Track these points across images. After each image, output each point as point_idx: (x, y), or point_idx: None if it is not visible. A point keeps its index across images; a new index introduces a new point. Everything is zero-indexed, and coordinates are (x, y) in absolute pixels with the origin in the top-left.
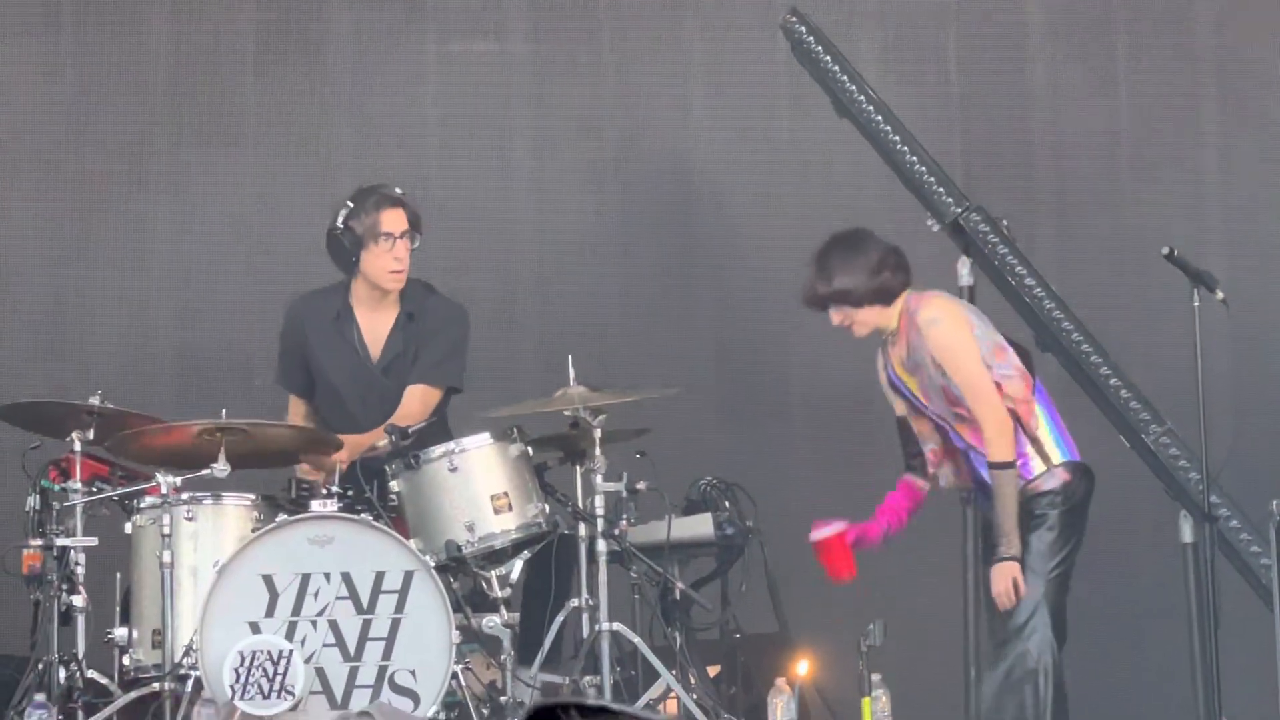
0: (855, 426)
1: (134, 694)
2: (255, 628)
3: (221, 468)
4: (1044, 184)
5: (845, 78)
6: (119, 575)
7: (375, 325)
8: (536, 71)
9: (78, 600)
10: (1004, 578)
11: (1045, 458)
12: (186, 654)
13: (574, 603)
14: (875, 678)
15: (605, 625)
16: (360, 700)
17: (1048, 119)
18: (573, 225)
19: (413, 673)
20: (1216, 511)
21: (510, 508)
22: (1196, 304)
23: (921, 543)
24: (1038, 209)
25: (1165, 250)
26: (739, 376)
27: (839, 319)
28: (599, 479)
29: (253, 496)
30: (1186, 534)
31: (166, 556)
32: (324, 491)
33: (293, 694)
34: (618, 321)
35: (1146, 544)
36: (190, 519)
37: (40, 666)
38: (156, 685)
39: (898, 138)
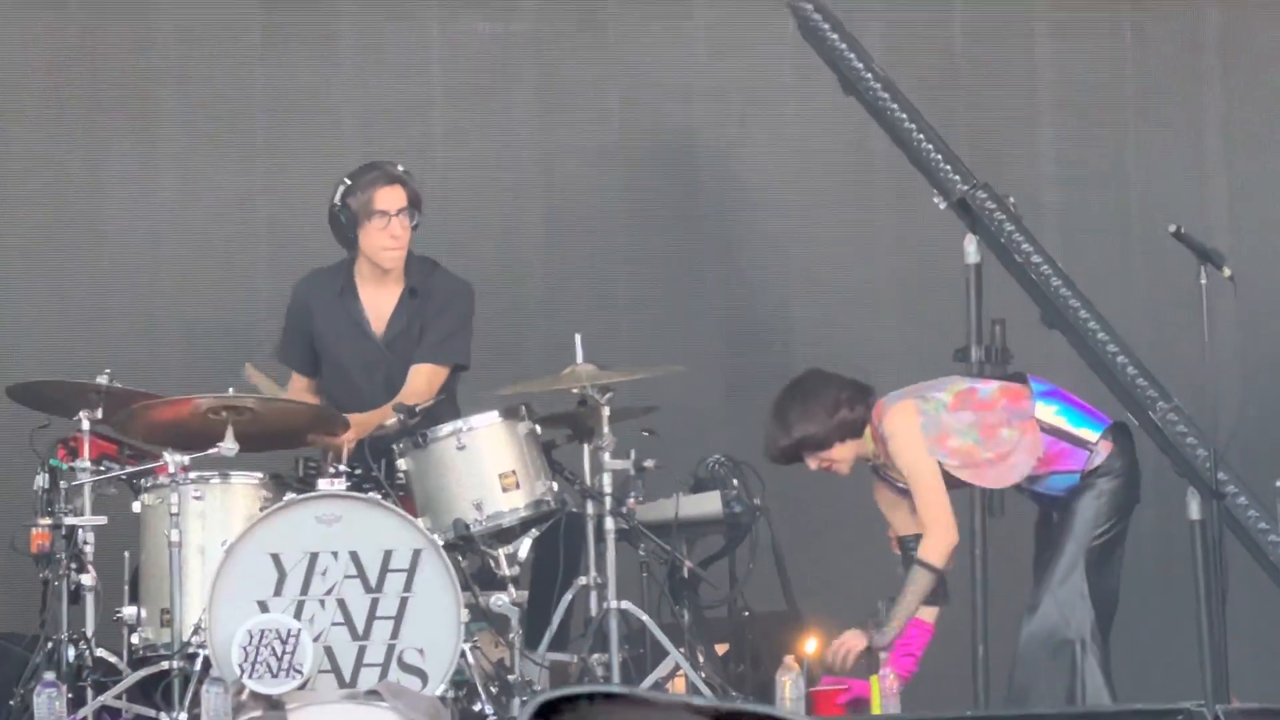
0: None
1: (143, 672)
2: (263, 606)
3: (229, 446)
4: (1050, 161)
5: (852, 55)
6: (127, 554)
7: (379, 302)
8: (541, 49)
9: (86, 579)
10: (846, 641)
11: (1082, 442)
12: (195, 633)
13: (582, 581)
14: (883, 656)
15: (613, 603)
16: (368, 679)
17: (1054, 96)
18: (579, 203)
19: (421, 651)
20: (1224, 488)
21: (518, 486)
22: (1204, 281)
23: None
24: (1044, 186)
25: (1172, 228)
26: (747, 354)
27: (815, 464)
28: (607, 457)
29: (260, 475)
30: (1194, 511)
31: (175, 535)
32: (331, 470)
33: (301, 673)
34: (625, 299)
35: (1153, 521)
36: (198, 498)
37: (49, 645)
38: (165, 664)
39: (904, 115)
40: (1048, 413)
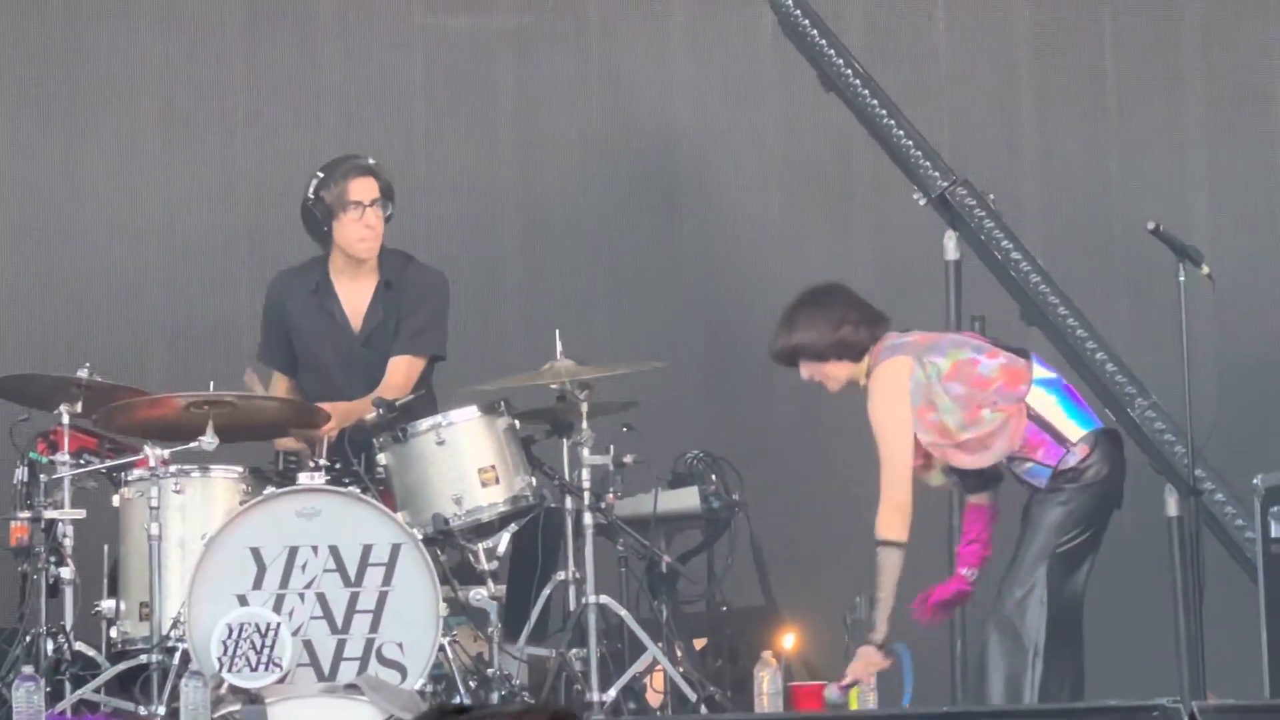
0: (840, 398)
1: (122, 666)
2: (243, 600)
3: (209, 440)
4: (1030, 158)
5: (832, 52)
6: (107, 548)
7: (354, 296)
8: (521, 43)
9: (65, 572)
10: (862, 663)
11: (1062, 439)
12: (174, 626)
13: (560, 575)
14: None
15: (592, 598)
16: (348, 672)
17: (1034, 93)
18: (558, 198)
19: (400, 645)
20: (1201, 485)
21: (497, 481)
22: (1182, 279)
23: None
24: (1024, 183)
25: (1151, 225)
26: (726, 350)
27: (807, 373)
28: (586, 452)
29: (240, 469)
30: (1171, 508)
31: (154, 529)
32: (311, 464)
33: (280, 666)
34: (604, 294)
35: (1131, 517)
36: (178, 491)
37: (28, 639)
38: (144, 657)
39: (884, 112)
40: (1043, 400)
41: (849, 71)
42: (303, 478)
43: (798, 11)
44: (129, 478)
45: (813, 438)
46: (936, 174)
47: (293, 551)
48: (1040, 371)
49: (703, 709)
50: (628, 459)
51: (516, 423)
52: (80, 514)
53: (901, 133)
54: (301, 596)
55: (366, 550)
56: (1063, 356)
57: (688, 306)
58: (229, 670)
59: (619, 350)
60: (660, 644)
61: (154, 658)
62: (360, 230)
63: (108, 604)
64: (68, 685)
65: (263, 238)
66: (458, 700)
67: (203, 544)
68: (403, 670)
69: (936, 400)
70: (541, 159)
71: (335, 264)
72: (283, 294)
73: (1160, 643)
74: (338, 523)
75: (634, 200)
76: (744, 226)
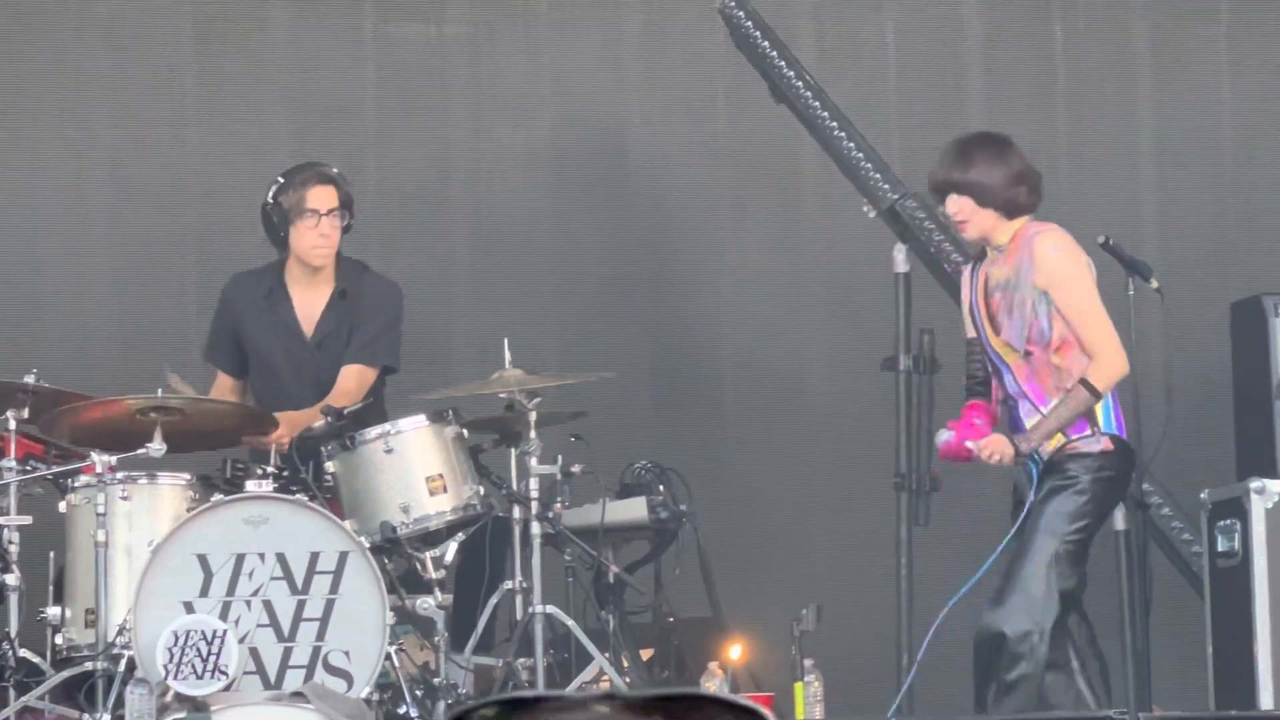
0: (789, 411)
1: (67, 673)
2: (189, 607)
3: (157, 447)
4: None
5: (783, 63)
6: (52, 554)
7: (309, 303)
8: (472, 52)
9: (10, 579)
10: (995, 443)
11: (1093, 421)
12: (120, 633)
13: (508, 585)
14: (808, 662)
15: (539, 608)
16: (294, 680)
17: (984, 107)
18: (509, 207)
19: (346, 653)
20: (1149, 499)
21: (445, 489)
22: (1131, 293)
23: (854, 528)
24: None
25: (1101, 239)
26: (674, 360)
27: (955, 209)
28: (534, 462)
29: (188, 476)
30: (1119, 521)
31: (101, 535)
32: (259, 472)
33: (226, 674)
34: (553, 304)
35: None
36: (125, 498)
37: None
38: (89, 664)
39: (835, 124)
40: None
41: (800, 83)
42: (250, 485)
43: (749, 23)
44: (75, 484)
45: (761, 449)
46: (886, 186)
47: (240, 559)
48: None
49: None
50: (575, 469)
51: (465, 432)
52: (26, 520)
53: (852, 145)
54: (248, 604)
55: (314, 558)
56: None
57: (637, 317)
58: (174, 678)
59: (568, 360)
60: (607, 654)
61: (99, 665)
62: (314, 238)
63: (53, 611)
64: (12, 692)
65: (211, 245)
66: (404, 710)
67: (149, 551)
68: (349, 678)
69: None
70: (492, 168)
71: (291, 270)
72: (236, 296)
73: (1106, 655)
74: (285, 530)
75: (583, 210)
76: (693, 237)
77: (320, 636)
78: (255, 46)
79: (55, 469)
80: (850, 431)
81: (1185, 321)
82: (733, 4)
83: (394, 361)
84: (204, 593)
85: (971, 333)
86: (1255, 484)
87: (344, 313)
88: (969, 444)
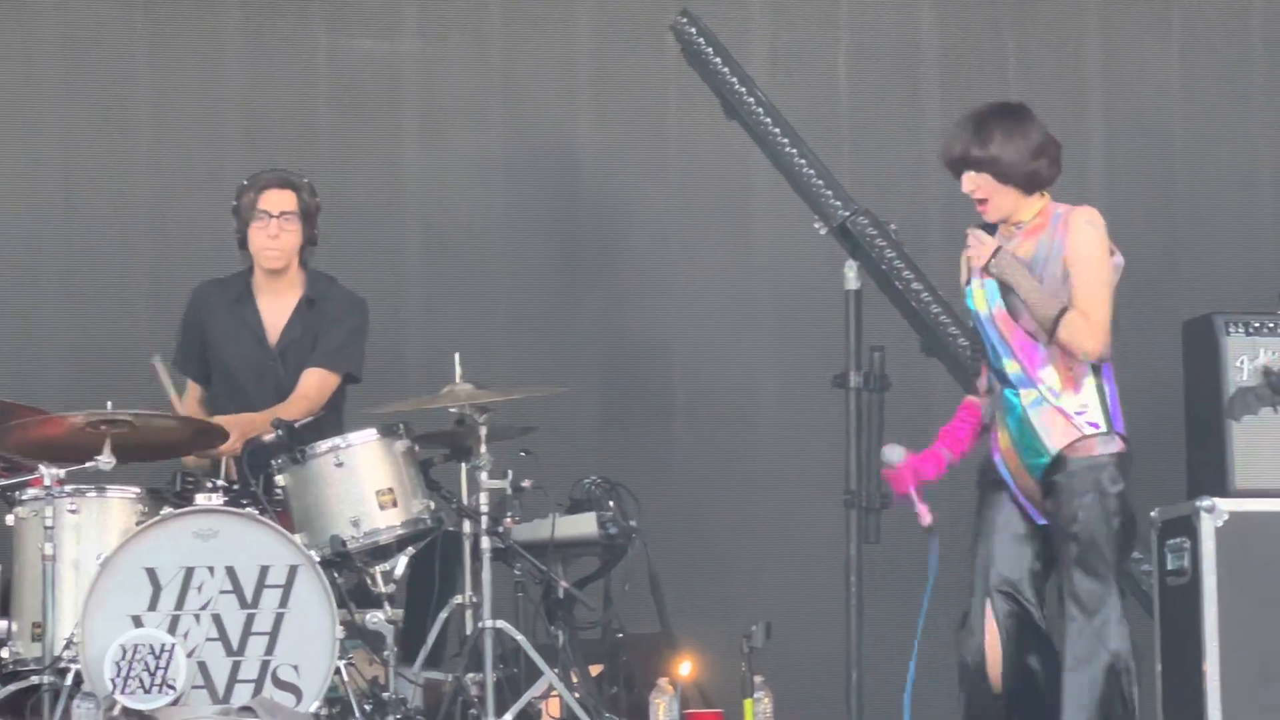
0: (738, 427)
1: (12, 687)
2: (137, 621)
3: (106, 460)
4: (933, 189)
5: (735, 80)
6: (0, 567)
7: (275, 310)
8: (425, 65)
9: None
10: (980, 237)
11: (1108, 416)
12: (67, 647)
13: (457, 600)
14: (758, 679)
15: (488, 623)
16: (242, 695)
17: (939, 121)
18: (459, 221)
19: (295, 668)
20: None
21: (395, 504)
22: None
23: (804, 545)
24: (927, 213)
25: None
26: (624, 376)
27: (972, 187)
28: (484, 476)
29: (137, 490)
30: None
31: (48, 549)
32: (209, 485)
33: (174, 688)
34: (504, 319)
35: None
36: (74, 511)
37: None
38: (36, 678)
39: (786, 140)
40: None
41: (751, 100)
42: (200, 498)
43: (700, 39)
44: (23, 497)
45: (710, 465)
46: (838, 203)
47: (189, 572)
48: None
49: None
50: (526, 484)
51: (415, 446)
52: None
53: (804, 161)
54: (197, 618)
55: (263, 572)
56: (961, 386)
57: (587, 331)
58: (122, 692)
59: (518, 374)
60: (556, 669)
61: (46, 679)
62: (263, 239)
63: None
64: None
65: (163, 257)
66: None
67: (98, 564)
68: (298, 693)
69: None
70: (443, 181)
71: (257, 278)
72: (204, 302)
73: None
74: (235, 544)
75: (534, 224)
76: (643, 252)
77: (269, 650)
78: (207, 58)
79: (2, 481)
80: (800, 448)
81: (1136, 340)
82: (684, 20)
83: (357, 370)
84: (152, 606)
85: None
86: (1205, 503)
87: (310, 320)
88: (912, 491)
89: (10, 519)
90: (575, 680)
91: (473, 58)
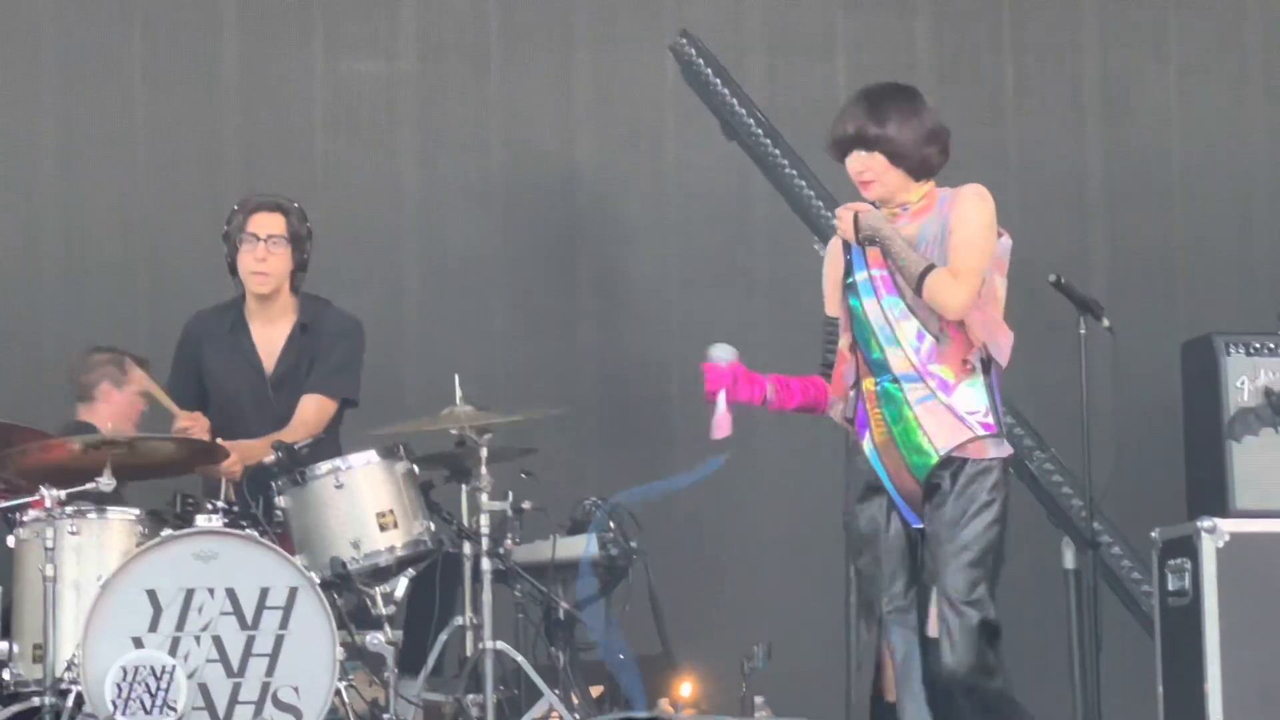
0: (738, 448)
1: (14, 709)
2: (138, 643)
3: (107, 482)
4: None
5: (734, 101)
6: (0, 589)
7: (269, 337)
8: (424, 90)
9: None
10: (844, 218)
11: (999, 418)
12: (68, 669)
13: (458, 621)
14: (758, 699)
15: (489, 644)
16: (243, 716)
17: None
18: (459, 244)
19: (296, 689)
20: (1099, 538)
21: (396, 525)
22: (1083, 331)
23: (805, 566)
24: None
25: (1052, 277)
26: (624, 398)
27: (861, 167)
28: (484, 498)
29: (138, 511)
30: (1069, 560)
31: (49, 570)
32: (209, 506)
33: (175, 710)
34: (504, 341)
35: (1028, 570)
36: (74, 533)
37: None
38: (37, 700)
39: (785, 161)
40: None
41: (751, 121)
42: (200, 520)
43: (700, 61)
44: (24, 519)
45: (711, 485)
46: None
47: (189, 594)
48: None
49: None
50: (526, 505)
51: (415, 467)
52: None
53: (803, 182)
54: (197, 639)
55: (264, 593)
56: None
57: (587, 353)
58: (123, 713)
59: (518, 396)
60: (557, 691)
61: (47, 700)
62: (251, 262)
63: (0, 646)
64: None
65: (163, 280)
66: None
67: (98, 586)
68: (298, 714)
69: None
70: (442, 203)
71: (249, 305)
72: (199, 333)
73: (1057, 696)
74: (235, 565)
75: (534, 244)
76: (643, 272)
77: (270, 672)
78: (206, 82)
79: (3, 503)
80: (800, 468)
81: (1136, 360)
82: (684, 42)
83: (354, 394)
84: (153, 628)
85: (833, 311)
86: (1206, 523)
87: (305, 346)
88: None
89: (11, 540)
90: (576, 701)
91: (471, 80)
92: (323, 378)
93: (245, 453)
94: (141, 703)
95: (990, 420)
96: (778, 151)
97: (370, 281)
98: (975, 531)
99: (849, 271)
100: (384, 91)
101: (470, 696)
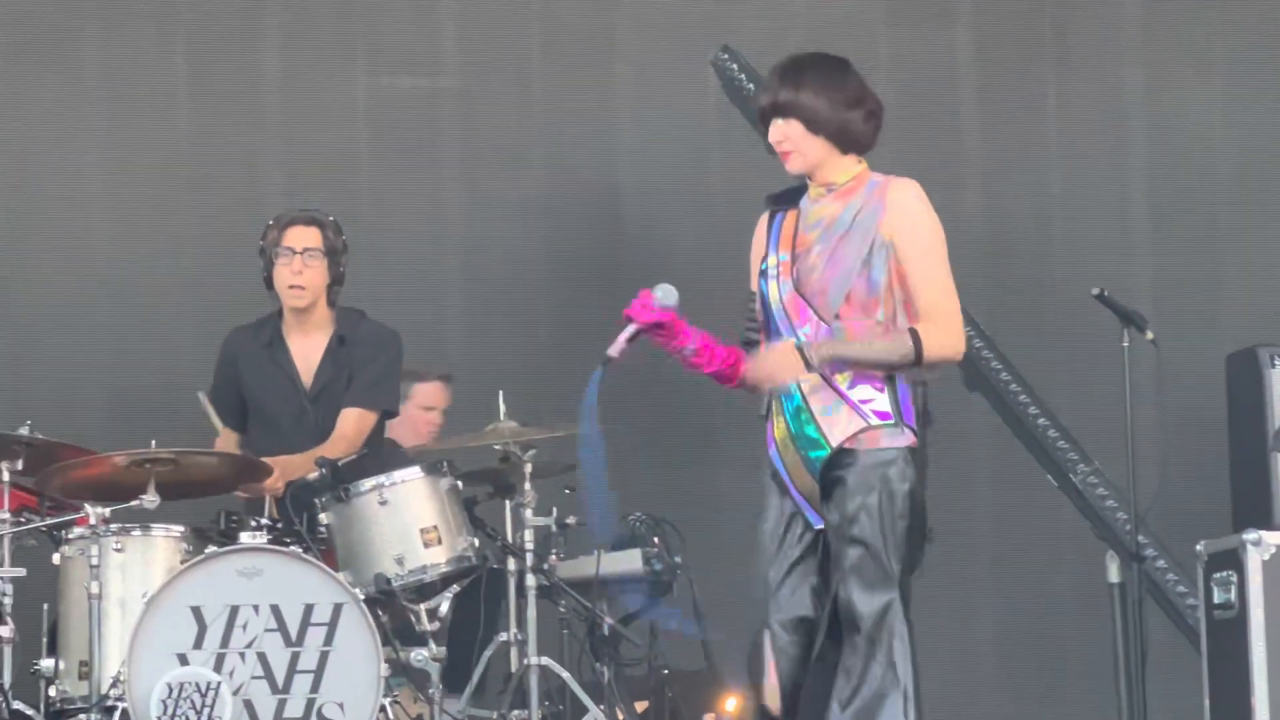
0: None
1: None
2: (183, 659)
3: (151, 499)
4: (975, 223)
5: None
6: (46, 606)
7: (307, 352)
8: (466, 105)
9: (4, 631)
10: (779, 357)
11: (898, 407)
12: (114, 685)
13: (502, 637)
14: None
15: (533, 660)
16: None
17: (979, 157)
18: (502, 259)
19: (340, 706)
20: (1143, 551)
21: (440, 541)
22: (1126, 344)
23: None
24: (966, 247)
25: (1095, 290)
26: (668, 413)
27: (779, 136)
28: (528, 514)
29: (182, 528)
30: (1113, 574)
31: (94, 587)
32: (253, 523)
33: None
34: (547, 356)
35: (1073, 583)
36: (119, 550)
37: None
38: (83, 717)
39: None
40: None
41: None
42: (244, 537)
43: (741, 75)
44: (69, 536)
45: (754, 500)
46: None
47: (234, 611)
48: None
49: None
50: (570, 521)
51: (459, 483)
52: (20, 572)
53: None
54: (242, 656)
55: (308, 610)
56: (1004, 421)
57: (631, 368)
58: None
59: (562, 411)
60: (602, 706)
61: (93, 717)
62: (287, 275)
63: (47, 663)
64: None
65: (207, 298)
66: None
67: (143, 603)
68: None
69: None
70: (485, 220)
71: (287, 319)
72: (236, 350)
73: (1102, 710)
74: (279, 582)
75: (578, 261)
76: (687, 288)
77: (314, 688)
78: (248, 99)
79: (49, 520)
80: None
81: (1180, 373)
82: (725, 56)
83: (393, 407)
84: (198, 645)
85: (756, 287)
86: (1251, 535)
87: (343, 359)
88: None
89: (56, 558)
90: (621, 717)
91: (514, 95)
92: (361, 390)
93: (286, 469)
94: (187, 719)
95: (885, 408)
96: None
97: (413, 298)
98: (870, 531)
99: (765, 254)
100: (426, 108)
101: (515, 713)
